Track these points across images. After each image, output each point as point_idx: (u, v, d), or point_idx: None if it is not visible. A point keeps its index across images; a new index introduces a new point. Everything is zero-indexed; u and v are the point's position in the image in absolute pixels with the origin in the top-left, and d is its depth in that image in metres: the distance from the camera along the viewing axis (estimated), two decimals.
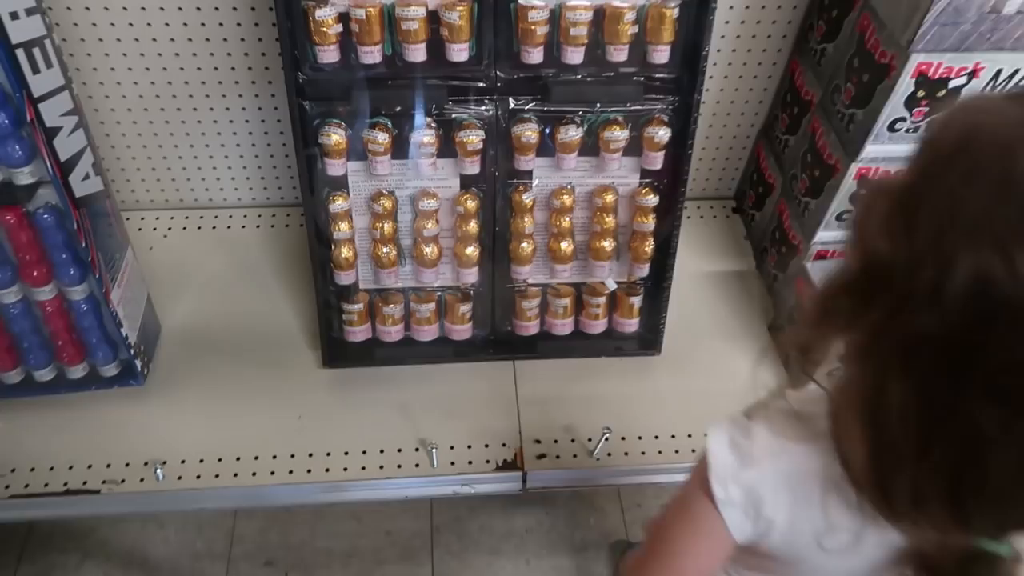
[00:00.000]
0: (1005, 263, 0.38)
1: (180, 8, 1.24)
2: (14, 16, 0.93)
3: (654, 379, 1.30)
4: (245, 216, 1.55)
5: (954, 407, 0.43)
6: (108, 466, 1.17)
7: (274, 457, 1.18)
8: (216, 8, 1.24)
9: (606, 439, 1.18)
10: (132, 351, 1.22)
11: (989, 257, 0.39)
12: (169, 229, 1.53)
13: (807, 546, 0.60)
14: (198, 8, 1.24)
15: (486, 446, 1.21)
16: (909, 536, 0.54)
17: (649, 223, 1.19)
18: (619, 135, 1.10)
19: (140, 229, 1.51)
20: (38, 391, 1.24)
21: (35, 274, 1.12)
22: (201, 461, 1.17)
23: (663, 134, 1.10)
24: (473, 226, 1.18)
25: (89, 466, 1.16)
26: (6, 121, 0.97)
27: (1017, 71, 1.03)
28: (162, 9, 1.24)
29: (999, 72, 1.03)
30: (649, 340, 1.32)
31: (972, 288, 0.40)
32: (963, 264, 0.40)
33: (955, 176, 0.41)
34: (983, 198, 0.40)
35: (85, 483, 1.15)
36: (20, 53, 0.94)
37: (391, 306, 1.24)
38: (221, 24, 1.26)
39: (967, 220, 0.40)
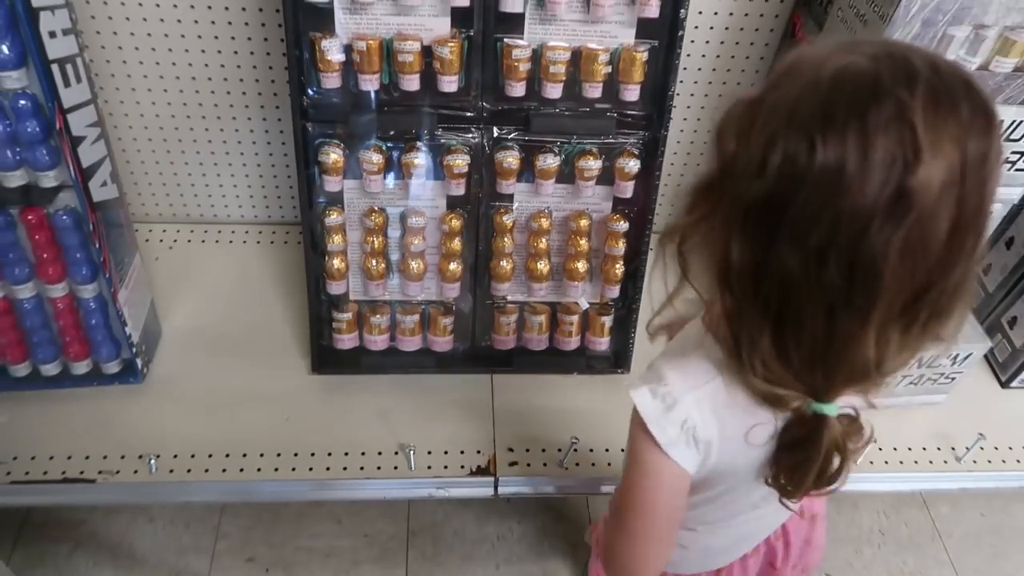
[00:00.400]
0: (807, 142, 0.51)
1: (199, 36, 1.35)
2: (52, 35, 1.04)
3: (622, 396, 1.38)
4: (247, 232, 1.65)
5: (773, 255, 0.54)
6: (104, 457, 1.23)
7: (261, 455, 1.25)
8: (232, 37, 1.36)
9: (574, 449, 1.25)
10: (134, 350, 1.31)
11: (797, 138, 0.51)
12: (175, 241, 1.62)
13: (739, 450, 0.69)
14: (215, 37, 1.36)
15: (461, 452, 1.28)
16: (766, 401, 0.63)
17: (620, 248, 1.28)
18: (593, 165, 1.20)
19: (148, 240, 1.61)
20: (43, 384, 1.31)
21: (50, 272, 1.20)
22: (192, 456, 1.24)
23: (633, 165, 1.20)
24: (457, 244, 1.28)
25: (87, 457, 1.23)
26: (37, 129, 1.07)
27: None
28: (182, 36, 1.35)
29: None
30: (619, 359, 1.40)
31: (784, 162, 0.52)
32: (780, 145, 0.52)
33: (782, 85, 0.54)
34: (796, 96, 0.53)
35: (82, 472, 1.21)
36: (55, 68, 1.05)
37: (378, 316, 1.33)
38: (236, 52, 1.38)
39: (784, 112, 0.53)
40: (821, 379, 0.59)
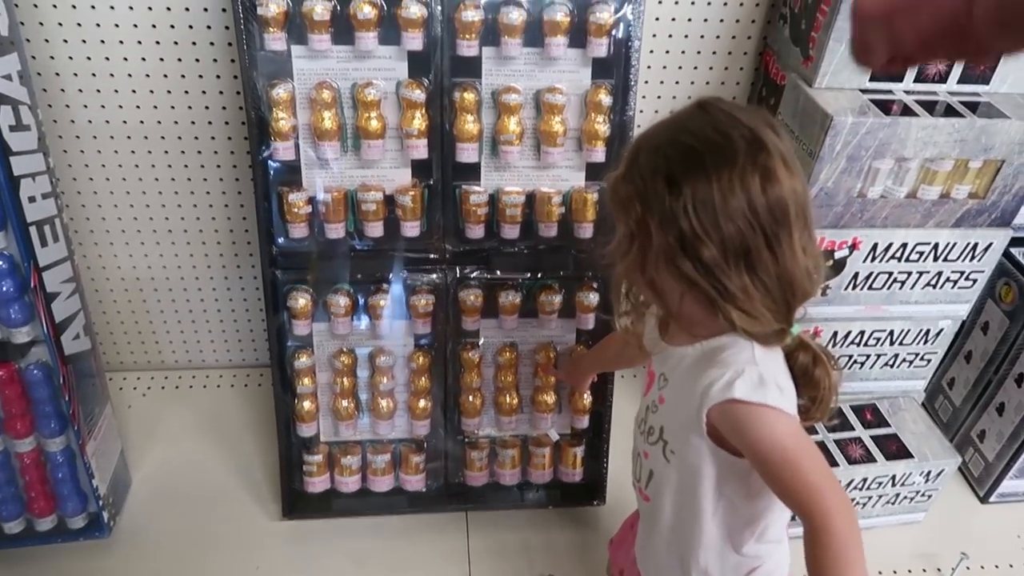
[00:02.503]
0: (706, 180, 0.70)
1: (175, 192, 1.43)
2: (32, 199, 1.10)
3: (598, 528, 1.36)
4: (221, 376, 1.66)
5: (724, 225, 0.70)
6: None
7: None
8: (207, 192, 1.43)
9: None
10: (101, 503, 1.28)
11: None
12: (148, 388, 1.63)
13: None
14: (191, 192, 1.43)
15: None
16: None
17: None
18: (554, 299, 1.24)
19: (121, 388, 1.61)
20: (5, 543, 1.28)
21: (18, 426, 1.20)
22: None
23: (593, 298, 1.25)
24: (426, 381, 1.29)
25: None
26: (12, 288, 1.10)
27: (891, 244, 1.20)
28: (160, 193, 1.42)
29: (875, 245, 1.20)
30: (593, 490, 1.39)
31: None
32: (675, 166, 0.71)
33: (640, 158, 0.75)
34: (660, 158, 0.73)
35: None
36: (33, 230, 1.10)
37: (349, 457, 1.33)
38: (210, 206, 1.45)
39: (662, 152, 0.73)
40: (786, 304, 0.74)
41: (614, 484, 1.38)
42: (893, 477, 1.31)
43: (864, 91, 1.13)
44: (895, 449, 1.33)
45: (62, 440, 1.24)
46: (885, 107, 1.09)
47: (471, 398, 1.31)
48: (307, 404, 1.29)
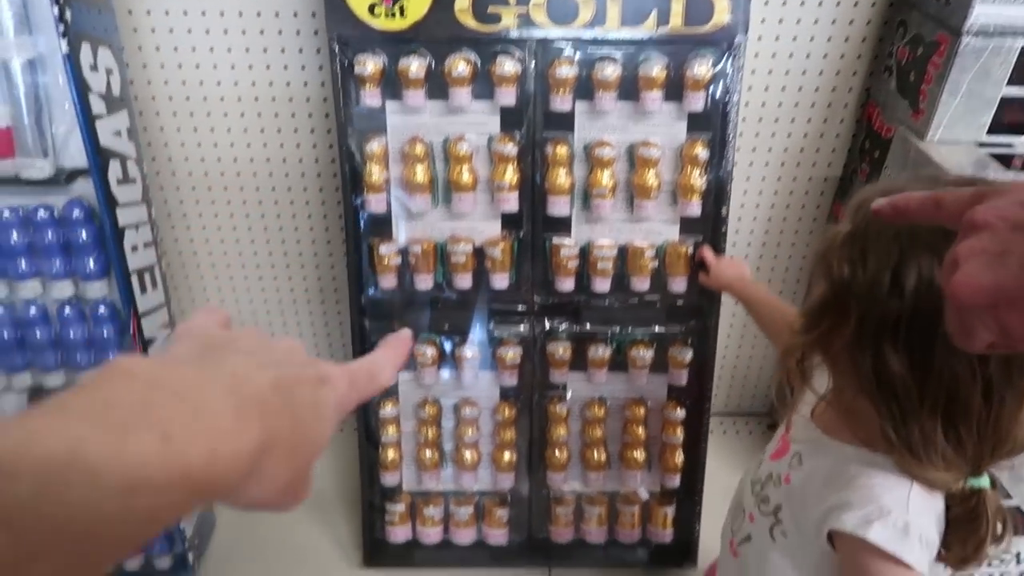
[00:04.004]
0: (939, 259, 0.53)
1: (267, 241, 1.45)
2: (134, 248, 1.13)
3: None
4: None
5: (936, 362, 0.59)
6: None
7: None
8: (297, 241, 1.45)
9: None
10: (186, 544, 1.30)
11: (928, 258, 0.58)
12: None
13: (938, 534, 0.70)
14: (282, 241, 1.45)
15: None
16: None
17: (678, 436, 1.26)
18: (645, 354, 1.21)
19: None
20: None
21: None
22: None
23: (685, 353, 1.20)
24: (511, 433, 1.27)
25: None
26: (113, 332, 1.14)
27: None
28: (252, 241, 1.45)
29: None
30: (683, 552, 1.33)
31: (921, 281, 0.58)
32: (912, 266, 0.58)
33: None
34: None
35: None
36: (134, 277, 1.13)
37: (431, 507, 1.31)
38: (300, 254, 1.47)
39: (901, 237, 0.59)
40: (986, 457, 0.64)
41: (705, 548, 1.32)
42: None
43: (982, 145, 1.07)
44: None
45: None
46: (1006, 161, 1.03)
47: (557, 452, 1.28)
48: (391, 453, 1.28)
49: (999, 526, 0.68)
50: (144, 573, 1.32)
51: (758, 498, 0.83)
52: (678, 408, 1.25)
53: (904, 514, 0.66)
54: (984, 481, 0.66)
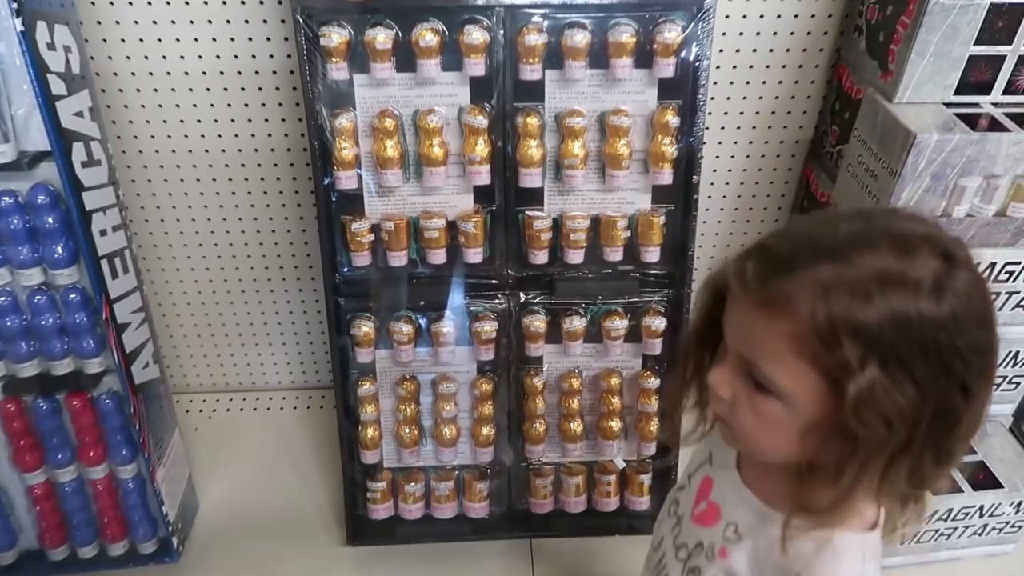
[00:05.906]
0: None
1: (239, 219, 1.44)
2: (103, 233, 1.11)
3: None
4: (284, 398, 1.68)
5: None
6: None
7: None
8: (270, 219, 1.44)
9: None
10: (170, 528, 1.30)
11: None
12: (214, 411, 1.65)
13: None
14: (254, 219, 1.44)
15: None
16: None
17: (653, 404, 1.27)
18: (619, 324, 1.21)
19: (188, 411, 1.64)
20: (80, 568, 1.31)
21: (91, 454, 1.23)
22: None
23: (659, 323, 1.21)
24: (489, 408, 1.28)
25: None
26: (85, 319, 1.12)
27: (978, 264, 1.14)
28: (224, 220, 1.44)
29: None
30: None
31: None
32: None
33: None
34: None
35: None
36: (104, 263, 1.11)
37: (412, 484, 1.32)
38: (273, 231, 1.46)
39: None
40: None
41: None
42: (981, 508, 1.25)
43: (948, 105, 1.07)
44: (983, 478, 1.26)
45: (133, 467, 1.25)
46: (972, 121, 1.04)
47: (535, 424, 1.28)
48: (371, 431, 1.28)
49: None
50: (128, 558, 1.32)
51: (685, 566, 0.78)
52: (653, 377, 1.26)
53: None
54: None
